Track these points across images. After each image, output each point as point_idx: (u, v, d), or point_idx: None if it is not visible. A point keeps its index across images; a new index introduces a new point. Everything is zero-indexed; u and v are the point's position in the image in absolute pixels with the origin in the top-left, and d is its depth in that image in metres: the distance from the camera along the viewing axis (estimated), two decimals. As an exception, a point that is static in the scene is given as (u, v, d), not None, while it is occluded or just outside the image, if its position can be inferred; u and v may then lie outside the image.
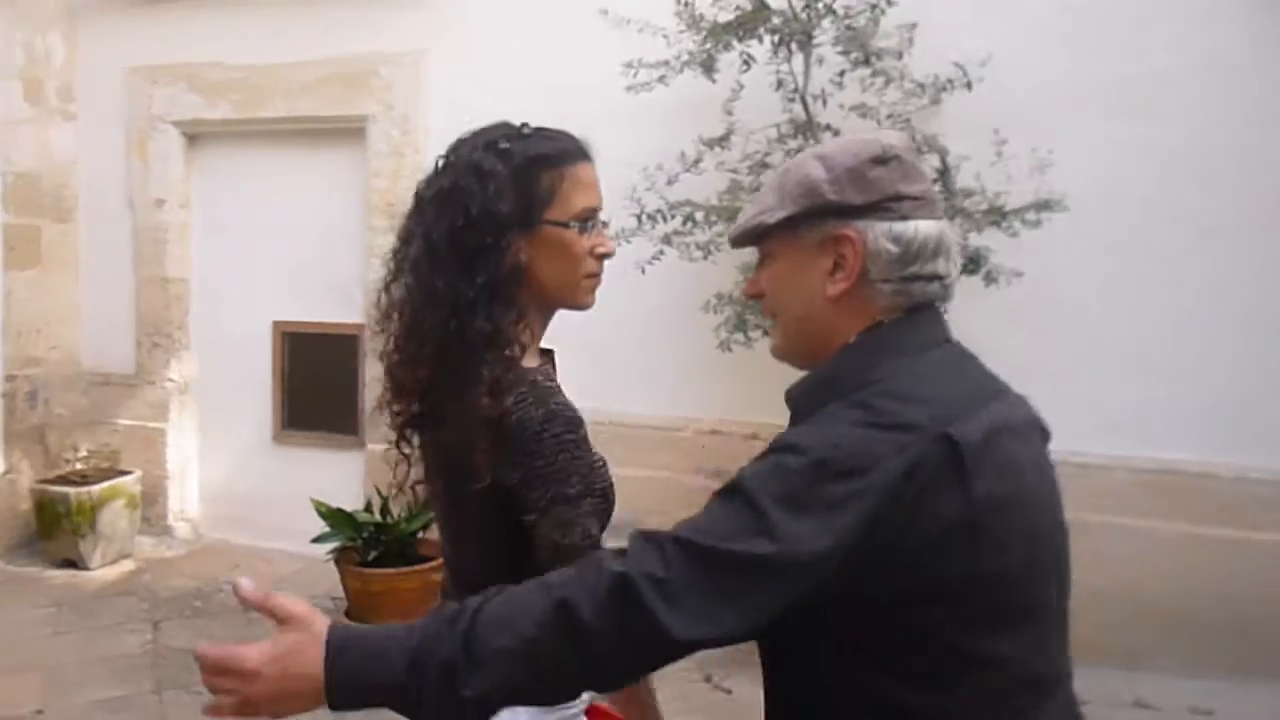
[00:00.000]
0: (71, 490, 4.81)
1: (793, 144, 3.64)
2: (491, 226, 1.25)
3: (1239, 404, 3.63)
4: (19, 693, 3.35)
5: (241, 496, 5.23)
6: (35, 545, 4.94)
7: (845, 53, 3.50)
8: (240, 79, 5.04)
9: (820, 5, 3.53)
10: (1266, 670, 3.46)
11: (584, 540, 1.21)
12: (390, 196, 4.73)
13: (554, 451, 1.21)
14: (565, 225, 1.28)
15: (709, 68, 3.63)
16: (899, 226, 1.01)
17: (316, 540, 4.17)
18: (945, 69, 3.51)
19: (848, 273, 1.03)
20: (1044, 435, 1.10)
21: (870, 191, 1.02)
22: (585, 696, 1.32)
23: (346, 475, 4.85)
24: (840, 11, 3.52)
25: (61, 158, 5.29)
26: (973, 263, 3.44)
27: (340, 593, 4.20)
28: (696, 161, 3.65)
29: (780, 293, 1.10)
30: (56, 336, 5.31)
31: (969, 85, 3.48)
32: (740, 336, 3.55)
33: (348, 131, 4.91)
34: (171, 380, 5.31)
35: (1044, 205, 3.43)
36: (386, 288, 1.34)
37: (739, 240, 1.13)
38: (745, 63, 3.60)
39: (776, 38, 3.58)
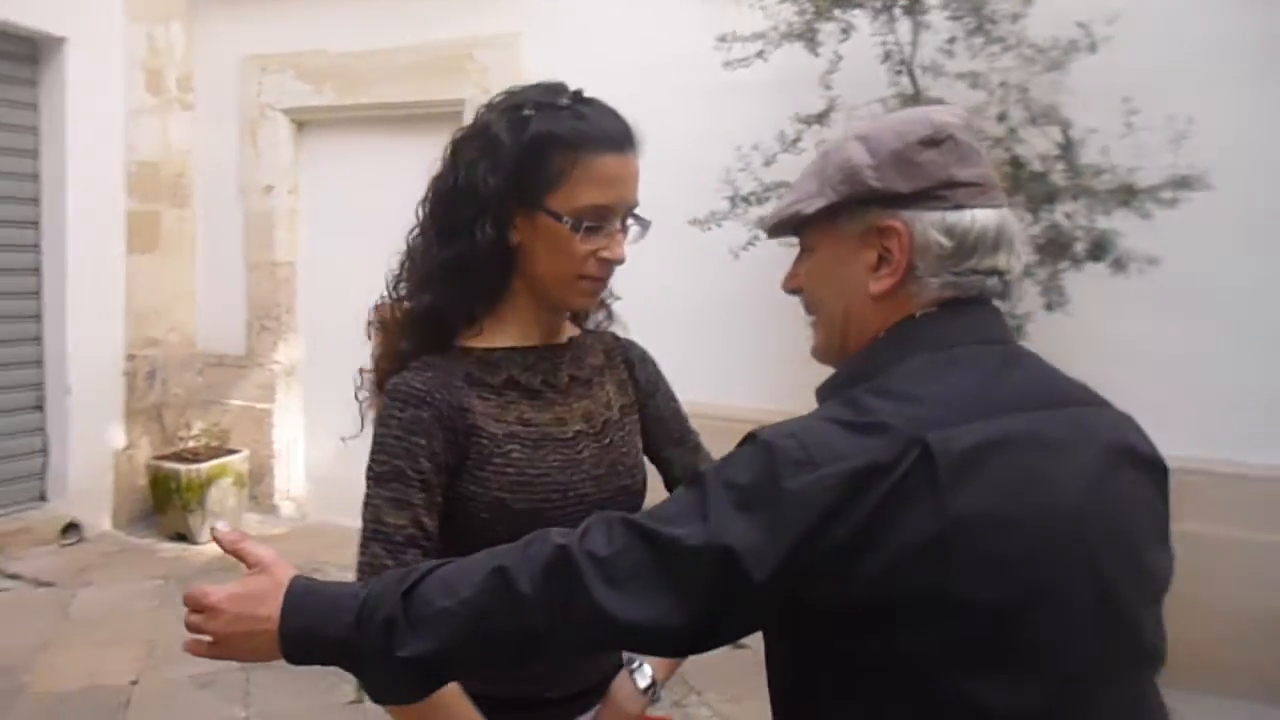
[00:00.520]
0: (183, 467, 5.00)
1: (900, 120, 3.41)
2: (472, 202, 1.14)
3: None
4: (119, 664, 3.46)
5: (344, 478, 5.28)
6: (151, 518, 5.15)
7: (956, 17, 3.23)
8: (342, 65, 5.10)
9: (929, -33, 3.28)
10: None
11: (370, 526, 1.12)
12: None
13: (378, 425, 1.15)
14: (559, 219, 1.13)
15: (810, 39, 3.42)
16: (952, 217, 0.90)
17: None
18: (1067, 30, 3.17)
19: (893, 268, 0.92)
20: (1135, 461, 0.91)
21: (919, 178, 0.90)
22: None
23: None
24: (951, -27, 3.25)
25: (179, 146, 5.48)
26: (1099, 248, 3.13)
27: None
28: (795, 140, 3.45)
29: (819, 288, 1.00)
30: (174, 319, 5.52)
31: (1094, 48, 3.14)
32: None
33: (446, 116, 4.89)
34: (278, 362, 5.45)
35: (1182, 182, 3.06)
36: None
37: (775, 230, 1.01)
38: (844, 32, 3.38)
39: (880, 3, 3.34)
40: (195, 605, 0.96)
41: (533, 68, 4.65)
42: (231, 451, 5.28)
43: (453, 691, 1.08)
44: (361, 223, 5.21)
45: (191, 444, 5.26)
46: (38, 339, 4.95)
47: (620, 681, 1.28)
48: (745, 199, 3.51)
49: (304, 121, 5.41)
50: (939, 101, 3.33)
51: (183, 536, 4.98)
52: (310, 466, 5.54)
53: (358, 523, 1.13)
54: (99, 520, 5.03)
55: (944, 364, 0.88)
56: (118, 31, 5.06)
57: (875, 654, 0.82)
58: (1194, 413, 3.19)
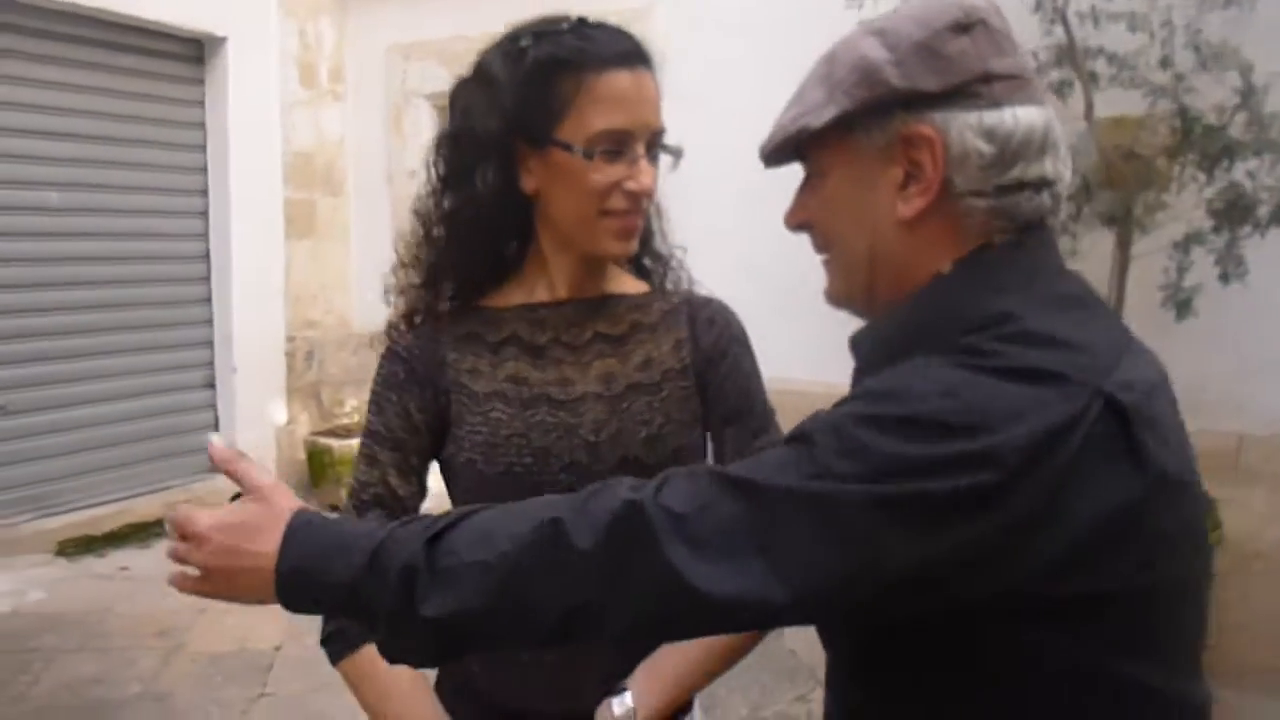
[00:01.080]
0: (337, 443, 5.24)
1: (1055, 75, 3.10)
2: (472, 146, 1.05)
3: None
4: (266, 630, 3.66)
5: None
6: (309, 491, 5.43)
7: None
8: (480, 49, 5.15)
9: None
10: None
11: (355, 485, 1.11)
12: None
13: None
14: (570, 150, 1.02)
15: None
16: (991, 117, 0.74)
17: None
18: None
19: (925, 184, 0.76)
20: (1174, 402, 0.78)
21: (949, 72, 0.74)
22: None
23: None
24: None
25: (331, 136, 5.72)
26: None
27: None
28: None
29: (834, 221, 0.83)
30: (330, 301, 5.79)
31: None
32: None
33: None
34: (424, 343, 5.62)
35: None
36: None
37: (773, 154, 0.85)
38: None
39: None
40: (179, 530, 0.83)
41: (666, 36, 4.55)
42: (381, 429, 5.49)
43: (410, 677, 1.05)
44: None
45: (345, 421, 5.51)
46: (208, 321, 5.30)
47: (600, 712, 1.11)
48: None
49: (445, 107, 5.51)
50: (1104, 53, 3.00)
51: (335, 508, 5.20)
52: (455, 444, 5.70)
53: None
54: (263, 492, 5.36)
55: (1064, 301, 0.75)
56: (273, 29, 5.32)
57: (1032, 644, 0.68)
58: None
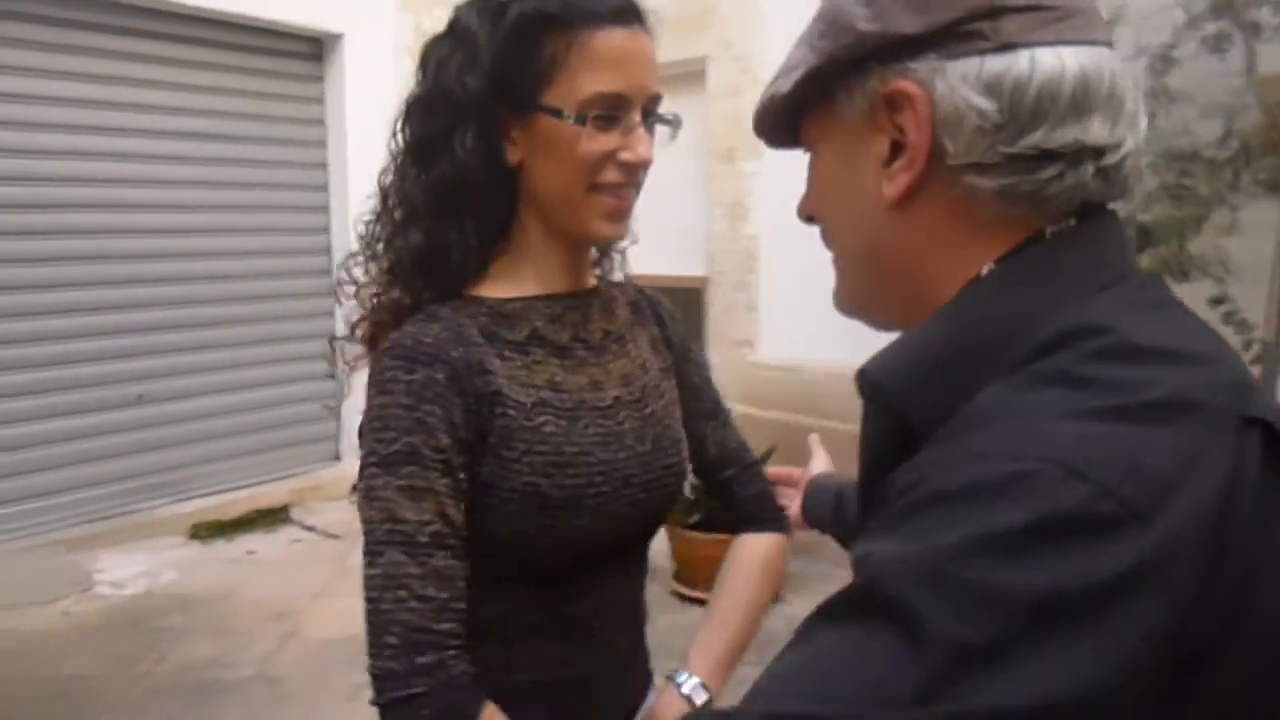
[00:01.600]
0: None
1: (1210, 28, 2.78)
2: (447, 109, 0.92)
3: None
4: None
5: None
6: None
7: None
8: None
9: None
10: None
11: (380, 526, 0.86)
12: (731, 141, 4.55)
13: (377, 394, 0.89)
14: (560, 115, 0.89)
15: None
16: (996, 63, 0.55)
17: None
18: None
19: (909, 158, 0.58)
20: None
21: (936, 6, 0.56)
22: None
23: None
24: None
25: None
26: None
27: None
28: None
29: (827, 209, 0.67)
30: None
31: None
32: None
33: (686, 76, 4.75)
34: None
35: None
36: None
37: (766, 133, 0.70)
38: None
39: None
40: None
41: (775, 16, 4.39)
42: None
43: None
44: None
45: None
46: (330, 314, 5.44)
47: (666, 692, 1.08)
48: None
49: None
50: (1264, 0, 2.67)
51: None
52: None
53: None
54: (383, 480, 5.49)
55: (1158, 306, 0.57)
56: (389, 24, 5.40)
57: None
58: None
